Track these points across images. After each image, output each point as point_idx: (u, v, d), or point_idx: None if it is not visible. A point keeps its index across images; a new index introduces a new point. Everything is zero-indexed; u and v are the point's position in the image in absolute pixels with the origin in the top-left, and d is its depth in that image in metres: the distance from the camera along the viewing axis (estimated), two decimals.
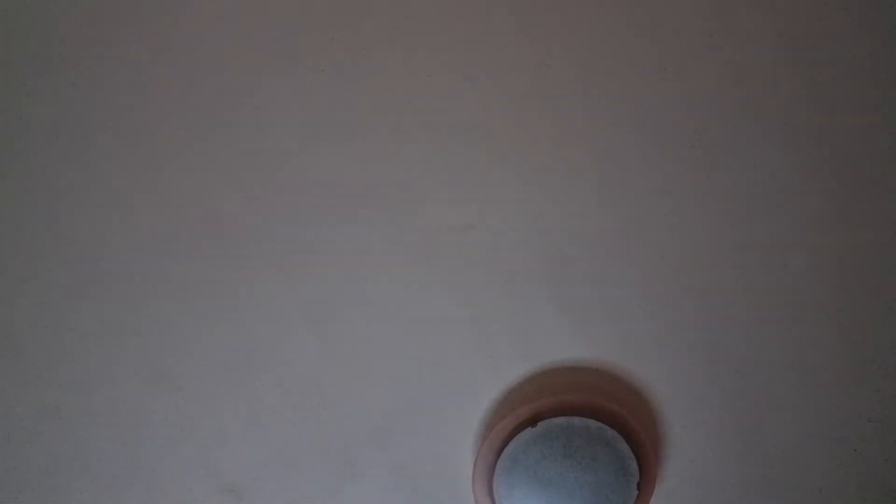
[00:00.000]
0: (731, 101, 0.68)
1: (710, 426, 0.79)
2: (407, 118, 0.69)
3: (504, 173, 0.70)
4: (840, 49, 0.67)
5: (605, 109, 0.69)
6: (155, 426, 0.77)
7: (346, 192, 0.71)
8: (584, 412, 0.75)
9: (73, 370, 0.75)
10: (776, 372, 0.77)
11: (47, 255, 0.71)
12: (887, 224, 0.72)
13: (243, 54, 0.66)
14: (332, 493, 0.81)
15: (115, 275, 0.72)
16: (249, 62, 0.66)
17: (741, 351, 0.76)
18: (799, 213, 0.72)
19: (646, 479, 0.76)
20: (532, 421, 0.75)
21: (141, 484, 0.79)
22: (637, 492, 0.75)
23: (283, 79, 0.67)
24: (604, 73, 0.68)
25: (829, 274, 0.74)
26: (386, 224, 0.72)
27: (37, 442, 0.77)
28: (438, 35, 0.66)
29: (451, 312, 0.75)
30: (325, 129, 0.69)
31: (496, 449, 0.76)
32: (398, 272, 0.74)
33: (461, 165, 0.70)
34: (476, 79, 0.68)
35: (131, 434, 0.78)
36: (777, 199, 0.71)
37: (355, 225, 0.72)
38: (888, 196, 0.71)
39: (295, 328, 0.75)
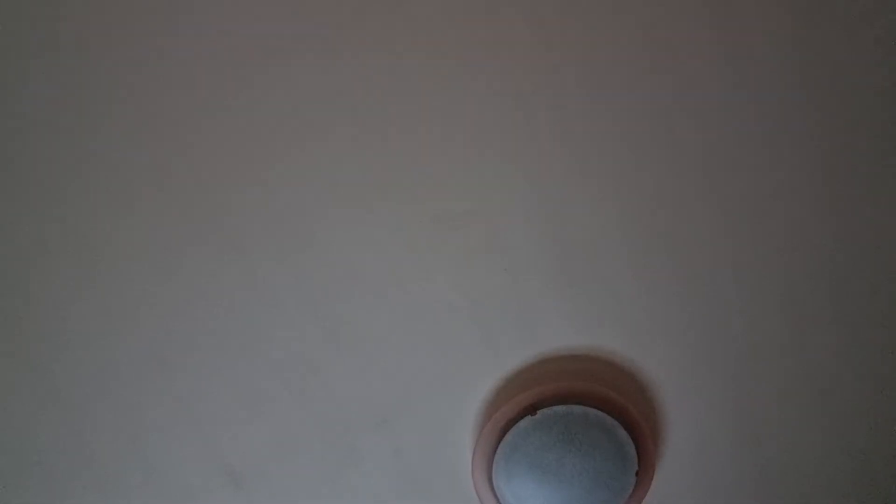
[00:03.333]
0: (733, 100, 0.68)
1: (708, 414, 0.80)
2: (409, 108, 0.68)
3: (505, 163, 0.70)
4: (838, 52, 0.66)
5: (607, 102, 0.68)
6: (156, 412, 0.78)
7: (348, 180, 0.70)
8: (584, 400, 0.75)
9: (73, 357, 0.75)
10: (775, 362, 0.78)
11: (51, 243, 0.71)
12: (883, 214, 0.72)
13: (245, 45, 0.65)
14: (332, 478, 0.81)
15: (118, 264, 0.72)
16: (251, 54, 0.66)
17: (740, 341, 0.77)
18: (796, 205, 0.72)
19: (644, 466, 0.76)
20: (531, 408, 0.75)
21: (142, 469, 0.80)
22: (635, 478, 0.75)
23: (285, 71, 0.66)
24: (607, 68, 0.67)
25: (826, 265, 0.74)
26: (387, 212, 0.72)
27: (38, 428, 0.78)
28: (444, 29, 0.66)
29: (452, 300, 0.75)
30: (328, 119, 0.68)
31: (496, 436, 0.76)
32: (399, 260, 0.73)
33: (462, 154, 0.70)
34: (480, 72, 0.67)
35: (132, 420, 0.78)
36: (775, 189, 0.71)
37: (357, 213, 0.72)
38: (885, 194, 0.71)
39: (296, 315, 0.75)
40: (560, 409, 0.74)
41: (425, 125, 0.69)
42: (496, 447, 0.76)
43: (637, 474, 0.75)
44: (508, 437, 0.75)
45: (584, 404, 0.74)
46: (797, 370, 0.78)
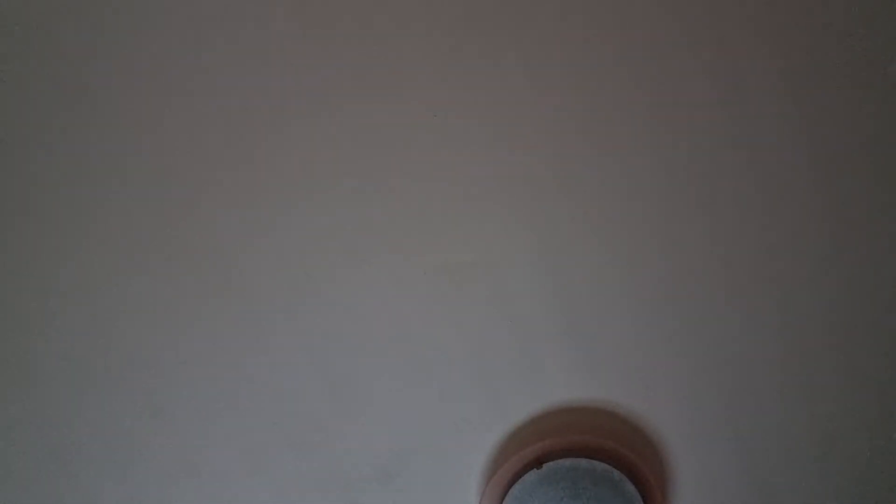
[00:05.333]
0: (739, 154, 0.68)
1: (717, 468, 0.78)
2: (413, 162, 0.69)
3: (508, 214, 0.70)
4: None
5: (611, 155, 0.69)
6: (156, 465, 0.77)
7: (351, 235, 0.71)
8: (591, 453, 0.74)
9: (77, 409, 0.75)
10: (786, 415, 0.77)
11: (57, 298, 0.71)
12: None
13: (250, 104, 0.66)
14: None
15: (124, 319, 0.72)
16: (257, 113, 0.66)
17: (748, 393, 0.76)
18: (804, 257, 0.71)
19: None
20: (537, 462, 0.74)
21: None
22: None
23: (291, 129, 0.67)
24: (611, 121, 0.67)
25: (835, 318, 0.73)
26: (390, 263, 0.72)
27: (39, 479, 0.77)
28: (448, 78, 0.67)
29: (456, 352, 0.74)
30: (332, 175, 0.69)
31: (501, 490, 0.75)
32: (402, 311, 0.73)
33: (465, 205, 0.70)
34: (482, 125, 0.68)
35: (132, 473, 0.77)
36: (782, 240, 0.71)
37: (359, 264, 0.72)
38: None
39: (298, 367, 0.74)
40: (566, 462, 0.73)
41: (428, 179, 0.69)
42: (502, 502, 0.75)
43: None
44: (514, 491, 0.74)
45: (591, 458, 0.73)
46: (806, 422, 0.77)
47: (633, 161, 0.69)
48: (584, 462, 0.73)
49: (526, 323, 0.73)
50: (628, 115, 0.68)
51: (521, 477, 0.74)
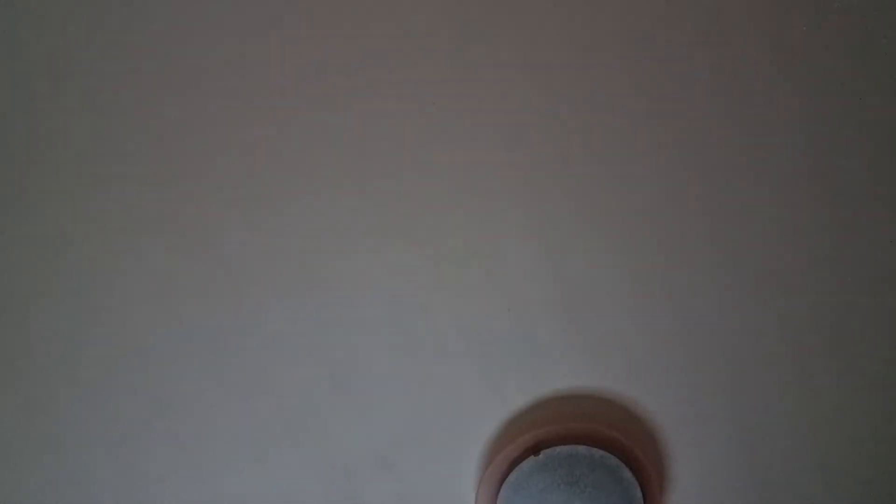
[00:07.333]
0: (735, 148, 0.69)
1: (714, 455, 0.78)
2: (414, 151, 0.69)
3: (507, 204, 0.71)
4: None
5: (611, 148, 0.69)
6: (157, 458, 0.77)
7: (350, 223, 0.72)
8: (588, 440, 0.74)
9: (74, 403, 0.75)
10: (782, 405, 0.77)
11: (53, 289, 0.72)
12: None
13: (251, 91, 0.67)
14: None
15: (120, 310, 0.73)
16: (258, 100, 0.67)
17: (745, 380, 0.76)
18: (801, 250, 0.72)
19: None
20: (535, 449, 0.74)
21: None
22: None
23: (293, 117, 0.68)
24: (611, 117, 0.68)
25: (827, 304, 0.74)
26: (390, 253, 0.73)
27: (37, 470, 0.77)
28: (452, 76, 0.67)
29: (455, 340, 0.75)
30: (331, 162, 0.69)
31: (499, 477, 0.75)
32: (402, 301, 0.74)
33: (465, 194, 0.71)
34: (485, 119, 0.69)
35: (132, 462, 0.77)
36: (775, 231, 0.72)
37: (359, 254, 0.73)
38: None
39: (298, 358, 0.75)
40: (564, 449, 0.73)
41: (428, 168, 0.70)
42: (499, 489, 0.74)
43: None
44: (511, 478, 0.73)
45: (589, 445, 0.73)
46: (803, 408, 0.77)
47: (633, 151, 0.70)
48: (581, 449, 0.73)
49: (525, 311, 0.74)
50: (629, 113, 0.69)
51: (518, 464, 0.74)
